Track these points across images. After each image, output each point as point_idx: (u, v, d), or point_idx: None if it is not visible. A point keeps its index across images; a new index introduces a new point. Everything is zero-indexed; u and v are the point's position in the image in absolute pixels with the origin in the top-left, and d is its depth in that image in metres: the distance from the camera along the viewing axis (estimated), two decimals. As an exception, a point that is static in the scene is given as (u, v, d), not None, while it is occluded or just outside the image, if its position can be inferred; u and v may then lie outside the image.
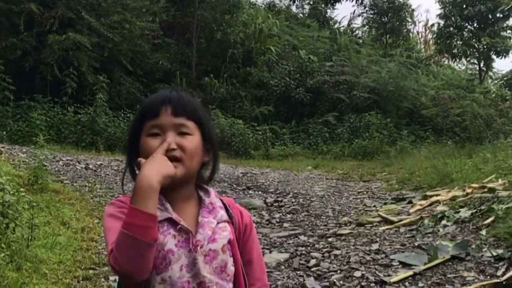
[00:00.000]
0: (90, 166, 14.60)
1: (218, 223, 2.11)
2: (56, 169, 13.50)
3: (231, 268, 2.09)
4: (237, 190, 13.28)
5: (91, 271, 6.72)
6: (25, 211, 7.36)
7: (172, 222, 2.04)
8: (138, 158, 2.07)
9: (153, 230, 1.88)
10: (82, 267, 6.82)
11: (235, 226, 2.16)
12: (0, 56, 19.76)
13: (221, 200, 2.20)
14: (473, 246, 7.50)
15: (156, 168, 1.94)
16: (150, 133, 2.08)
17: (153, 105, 2.11)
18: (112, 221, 2.01)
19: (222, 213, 2.14)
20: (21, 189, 7.74)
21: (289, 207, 11.55)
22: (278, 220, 10.36)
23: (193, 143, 2.07)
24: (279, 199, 12.49)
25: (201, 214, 2.10)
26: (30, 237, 6.88)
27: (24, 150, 15.27)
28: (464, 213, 9.14)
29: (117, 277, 6.15)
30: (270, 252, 7.99)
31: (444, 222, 9.02)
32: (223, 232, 2.10)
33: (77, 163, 14.73)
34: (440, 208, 10.00)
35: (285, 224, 9.98)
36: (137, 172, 2.10)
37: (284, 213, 11.00)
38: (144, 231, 1.86)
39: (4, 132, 18.51)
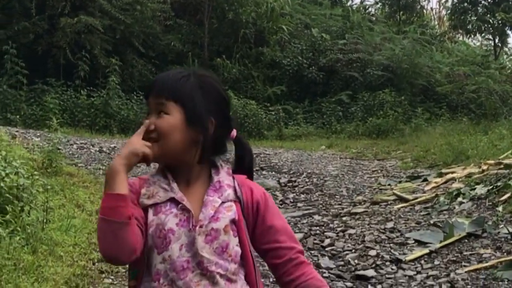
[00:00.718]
0: (104, 149, 14.63)
1: (223, 202, 2.08)
2: (70, 152, 13.54)
3: (234, 249, 2.06)
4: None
5: (106, 253, 6.73)
6: (40, 194, 7.40)
7: (176, 202, 2.06)
8: None
9: (123, 209, 1.93)
10: (97, 249, 6.83)
11: (243, 205, 2.11)
12: (13, 40, 19.77)
13: (233, 178, 2.17)
14: (489, 223, 7.46)
15: (123, 152, 2.01)
16: (146, 114, 2.14)
17: (148, 86, 2.19)
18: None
19: (229, 192, 2.11)
20: (36, 173, 7.78)
21: (303, 187, 11.53)
22: (292, 200, 10.35)
23: (167, 121, 2.07)
24: (293, 179, 12.47)
25: (207, 193, 2.09)
26: (45, 220, 6.91)
27: (38, 134, 15.32)
28: (480, 190, 9.09)
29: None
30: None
31: (459, 199, 8.99)
32: (228, 212, 2.07)
33: (91, 146, 14.77)
34: (455, 185, 9.96)
35: (299, 204, 9.97)
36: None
37: (298, 193, 10.98)
38: (113, 211, 1.92)
39: (18, 116, 18.57)
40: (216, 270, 2.02)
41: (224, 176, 2.15)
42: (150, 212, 2.06)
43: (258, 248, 2.15)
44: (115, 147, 15.17)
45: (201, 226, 2.02)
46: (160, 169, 2.16)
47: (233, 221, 2.07)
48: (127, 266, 2.13)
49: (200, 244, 2.01)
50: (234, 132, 2.22)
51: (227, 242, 2.04)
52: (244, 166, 2.23)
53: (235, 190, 2.13)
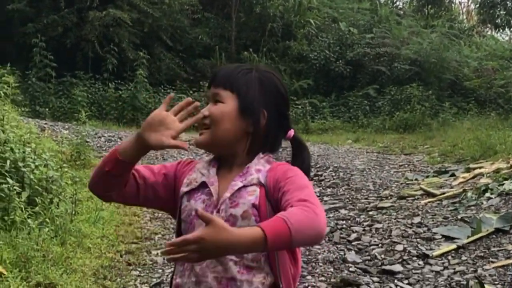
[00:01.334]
0: (132, 142, 14.72)
1: (245, 186, 2.07)
2: (98, 145, 13.67)
3: None
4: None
5: (133, 245, 6.81)
6: (69, 186, 7.50)
7: (205, 186, 2.12)
8: None
9: (108, 162, 2.09)
10: (125, 241, 6.92)
11: (267, 189, 2.07)
12: (42, 33, 19.98)
13: (270, 164, 2.15)
14: (518, 219, 7.40)
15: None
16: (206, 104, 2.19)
17: (210, 78, 2.24)
18: (159, 165, 2.28)
19: (253, 176, 2.09)
20: (64, 165, 7.89)
21: (329, 181, 11.51)
22: (318, 194, 10.33)
23: (220, 109, 2.12)
24: (319, 173, 12.45)
25: (234, 179, 2.11)
26: (73, 212, 7.01)
27: (66, 126, 15.48)
28: (508, 185, 9.02)
29: (159, 251, 6.21)
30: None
31: (487, 194, 8.92)
32: (249, 196, 2.05)
33: (118, 139, 14.89)
34: (483, 180, 9.88)
35: (325, 198, 9.96)
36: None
37: (324, 187, 10.97)
38: (105, 157, 2.13)
39: (47, 109, 18.78)
40: (230, 257, 2.00)
41: (256, 162, 2.14)
42: (185, 198, 2.13)
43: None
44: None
45: (218, 211, 2.04)
46: (211, 157, 2.23)
47: (254, 206, 2.03)
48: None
49: None
50: (291, 132, 2.27)
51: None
52: (300, 165, 2.21)
53: (260, 176, 2.10)
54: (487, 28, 36.41)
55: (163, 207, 2.31)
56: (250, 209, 2.03)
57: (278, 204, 2.02)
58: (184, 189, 2.14)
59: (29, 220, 5.97)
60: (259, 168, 2.12)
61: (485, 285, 5.56)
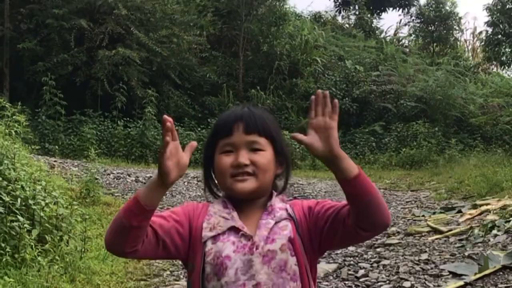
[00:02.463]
0: (140, 179, 14.81)
1: (276, 222, 2.15)
2: (107, 182, 13.74)
3: (293, 268, 2.10)
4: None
5: (142, 282, 6.85)
6: (78, 223, 7.54)
7: (235, 230, 2.14)
8: (214, 176, 2.25)
9: (134, 217, 2.01)
10: (134, 278, 6.95)
11: (297, 222, 2.17)
12: (52, 71, 20.19)
13: (285, 202, 2.25)
14: (525, 256, 7.41)
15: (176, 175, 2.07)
16: (223, 151, 2.18)
17: (225, 124, 2.20)
18: (167, 212, 2.23)
19: (281, 213, 2.18)
20: (74, 202, 7.93)
21: (337, 218, 11.51)
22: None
23: (266, 158, 2.18)
24: (327, 209, 12.47)
25: (261, 217, 2.17)
26: (83, 249, 7.05)
27: (75, 163, 15.57)
28: (515, 222, 9.03)
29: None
30: (318, 262, 7.99)
31: (494, 231, 8.93)
32: (283, 232, 2.13)
33: (127, 176, 14.96)
34: (490, 217, 9.90)
35: (333, 235, 9.96)
36: (214, 190, 2.30)
37: (332, 224, 10.97)
38: (127, 213, 2.02)
39: (56, 146, 18.89)
40: (288, 282, 2.09)
41: (276, 200, 2.23)
42: (209, 241, 2.14)
43: (335, 234, 2.14)
44: (150, 176, 15.26)
45: (256, 248, 2.09)
46: (221, 200, 2.25)
47: (289, 240, 2.12)
48: None
49: (258, 265, 2.07)
50: None
51: (285, 260, 2.09)
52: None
53: (287, 211, 2.20)
54: (493, 66, 36.61)
55: (178, 253, 2.21)
56: (287, 243, 2.11)
57: (316, 225, 2.16)
58: (208, 234, 2.14)
59: (39, 258, 6.02)
60: (281, 206, 2.21)
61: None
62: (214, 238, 2.14)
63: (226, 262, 2.09)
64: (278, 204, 2.22)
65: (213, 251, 2.12)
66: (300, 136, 2.06)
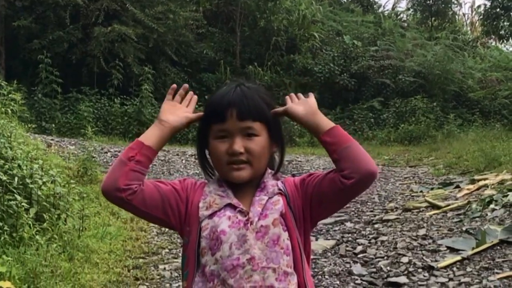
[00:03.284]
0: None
1: (269, 198, 2.16)
2: (105, 160, 13.73)
3: (285, 242, 2.13)
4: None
5: (141, 260, 6.86)
6: (76, 202, 7.54)
7: (232, 207, 2.15)
8: (209, 159, 2.27)
9: (131, 150, 2.17)
10: (132, 256, 6.97)
11: (289, 198, 2.19)
12: (47, 49, 20.12)
13: (277, 179, 2.26)
14: (522, 230, 7.42)
15: (173, 119, 2.28)
16: (217, 136, 2.18)
17: (219, 109, 2.18)
18: (166, 181, 2.26)
19: (273, 188, 2.19)
20: (71, 181, 7.95)
21: (335, 194, 11.53)
22: (324, 207, 10.36)
23: (260, 144, 2.17)
24: (325, 185, 12.49)
25: (255, 194, 2.18)
26: (81, 228, 7.06)
27: (72, 142, 15.55)
28: (513, 197, 9.04)
29: (166, 266, 6.26)
30: (317, 239, 8.03)
31: (492, 206, 8.94)
32: (275, 206, 2.15)
33: (125, 154, 14.92)
34: (488, 192, 9.91)
35: (331, 211, 9.97)
36: (209, 169, 2.32)
37: (330, 200, 10.99)
38: (125, 149, 2.17)
39: (53, 125, 18.86)
40: (267, 265, 2.09)
41: (268, 177, 2.23)
42: (205, 218, 2.16)
43: (322, 197, 2.18)
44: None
45: (251, 224, 2.11)
46: (216, 179, 2.26)
47: (281, 215, 2.14)
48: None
49: (252, 241, 2.09)
50: None
51: (277, 234, 2.12)
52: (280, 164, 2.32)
53: (278, 186, 2.21)
54: (491, 39, 36.47)
55: (174, 219, 2.21)
56: (279, 217, 2.13)
57: (311, 197, 2.19)
58: (205, 212, 2.16)
59: (37, 236, 6.02)
60: (273, 183, 2.22)
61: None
62: (210, 215, 2.15)
63: (221, 236, 2.10)
64: (270, 181, 2.22)
65: (209, 226, 2.14)
66: (278, 109, 2.18)
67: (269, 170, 2.27)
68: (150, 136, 2.19)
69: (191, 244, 2.16)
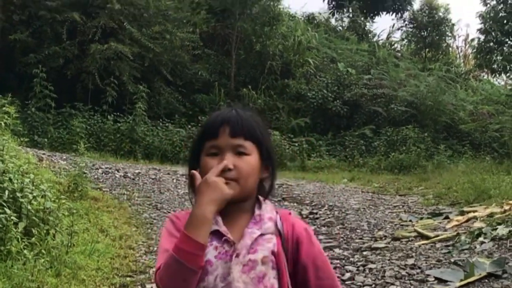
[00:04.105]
0: (129, 175, 14.78)
1: (262, 234, 2.13)
2: (96, 176, 13.71)
3: (271, 281, 2.09)
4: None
5: (128, 279, 6.83)
6: (65, 218, 7.52)
7: (218, 234, 2.11)
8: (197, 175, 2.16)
9: (200, 258, 2.00)
10: (120, 274, 6.93)
11: (284, 238, 2.16)
12: (43, 64, 20.13)
13: (276, 212, 2.23)
14: (510, 264, 7.44)
15: (210, 197, 2.03)
16: (209, 153, 2.16)
17: (212, 126, 2.18)
18: (166, 239, 2.13)
19: (269, 225, 2.16)
20: (62, 196, 7.91)
21: (324, 220, 11.55)
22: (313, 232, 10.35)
23: (250, 163, 2.14)
24: (314, 211, 12.51)
25: (248, 225, 2.15)
26: (69, 244, 7.02)
27: (64, 157, 15.53)
28: (502, 230, 9.07)
29: (154, 285, 6.23)
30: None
31: (481, 238, 8.96)
32: (267, 244, 2.12)
33: (115, 171, 14.93)
34: (477, 224, 9.93)
35: (320, 237, 9.98)
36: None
37: (319, 226, 11.01)
38: (191, 258, 1.99)
39: (45, 139, 18.84)
40: None
41: (266, 210, 2.21)
42: None
43: (299, 283, 2.18)
44: (139, 172, 15.32)
45: (237, 256, 2.08)
46: None
47: (272, 253, 2.11)
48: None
49: (236, 274, 2.06)
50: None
51: (264, 272, 2.08)
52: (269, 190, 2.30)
53: (276, 224, 2.18)
54: (484, 73, 36.75)
55: None
56: (270, 255, 2.11)
57: (297, 260, 2.18)
58: None
59: (25, 251, 5.99)
60: (270, 216, 2.19)
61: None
62: None
63: (207, 267, 2.07)
64: (268, 213, 2.20)
65: None
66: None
67: (269, 203, 2.25)
68: (206, 235, 2.04)
69: None
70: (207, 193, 2.03)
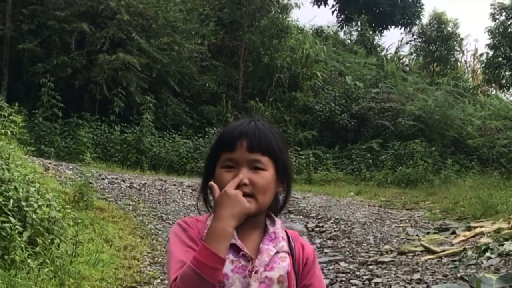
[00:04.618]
0: (135, 185, 14.77)
1: (277, 252, 2.13)
2: (101, 187, 13.70)
3: None
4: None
5: (132, 289, 6.80)
6: (70, 227, 7.50)
7: (234, 248, 2.09)
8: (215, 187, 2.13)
9: (219, 272, 1.98)
10: (123, 285, 6.91)
11: (295, 259, 2.17)
12: (51, 73, 20.18)
13: (286, 232, 2.23)
14: (517, 280, 7.38)
15: (231, 211, 2.01)
16: (224, 165, 2.13)
17: (229, 138, 2.14)
18: (178, 248, 2.10)
19: (283, 244, 2.16)
20: (67, 206, 7.89)
21: (330, 233, 11.51)
22: (318, 245, 10.34)
23: (265, 179, 2.12)
24: (321, 224, 12.46)
25: (263, 241, 2.14)
26: (74, 254, 7.00)
27: (70, 167, 15.53)
28: (509, 246, 9.01)
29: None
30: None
31: (488, 254, 8.91)
32: (282, 262, 2.12)
33: (121, 182, 14.92)
34: (484, 239, 9.87)
35: (326, 250, 9.95)
36: (210, 198, 2.19)
37: (325, 239, 10.97)
38: (211, 272, 1.95)
39: (52, 149, 18.85)
40: None
41: (279, 229, 2.20)
42: None
43: None
44: (145, 183, 15.30)
45: (256, 272, 2.07)
46: None
47: (287, 272, 2.11)
48: None
49: None
50: None
51: None
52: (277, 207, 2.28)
53: (288, 243, 2.18)
54: (492, 88, 36.68)
55: None
56: (285, 275, 2.10)
57: (300, 280, 2.18)
58: None
59: (29, 260, 5.98)
60: (283, 235, 2.19)
61: None
62: None
63: (224, 280, 2.05)
64: (280, 232, 2.20)
65: None
66: None
67: (279, 221, 2.24)
68: (226, 248, 2.02)
69: None
70: (228, 206, 2.01)
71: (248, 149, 2.11)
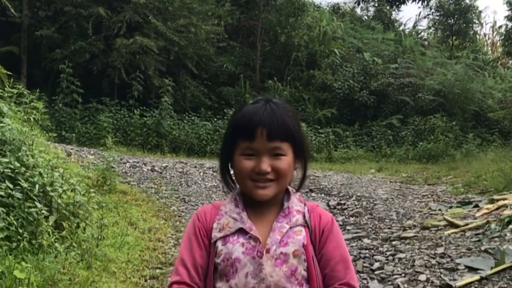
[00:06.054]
0: (156, 168, 14.85)
1: (291, 227, 2.15)
2: (123, 170, 13.79)
3: (301, 273, 2.11)
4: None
5: (158, 270, 6.86)
6: (95, 211, 7.57)
7: (244, 231, 2.13)
8: (230, 170, 2.22)
9: None
10: (149, 266, 6.97)
11: (311, 230, 2.17)
12: (69, 59, 20.26)
13: (304, 204, 2.24)
14: (541, 251, 7.36)
15: None
16: (244, 153, 2.14)
17: (248, 128, 2.13)
18: (184, 244, 2.21)
19: (297, 217, 2.18)
20: (91, 190, 7.96)
21: (352, 210, 11.52)
22: (341, 223, 10.35)
23: (287, 163, 2.15)
24: (342, 202, 12.47)
25: (277, 219, 2.17)
26: (99, 237, 7.06)
27: (92, 152, 15.64)
28: (532, 217, 8.97)
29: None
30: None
31: (511, 226, 8.87)
32: (297, 236, 2.13)
33: (143, 165, 15.01)
34: (507, 212, 9.82)
35: (348, 227, 9.96)
36: (230, 182, 2.28)
37: (347, 216, 10.98)
38: None
39: (73, 134, 18.98)
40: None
41: (295, 202, 2.22)
42: (219, 242, 2.15)
43: (322, 273, 2.19)
44: (166, 166, 15.38)
45: (268, 251, 2.10)
46: (233, 198, 2.23)
47: (303, 246, 2.12)
48: None
49: (269, 269, 2.08)
50: None
51: (296, 265, 2.10)
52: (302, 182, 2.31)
53: (304, 216, 2.19)
54: (512, 60, 36.35)
55: None
56: (301, 248, 2.12)
57: (319, 249, 2.19)
58: (217, 234, 2.16)
59: (56, 244, 6.05)
60: (298, 209, 2.21)
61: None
62: (224, 239, 2.15)
63: (236, 264, 2.10)
64: (296, 206, 2.22)
65: (223, 253, 2.13)
66: None
67: (296, 194, 2.26)
68: None
69: (209, 269, 2.18)
70: None
71: (268, 138, 2.12)
